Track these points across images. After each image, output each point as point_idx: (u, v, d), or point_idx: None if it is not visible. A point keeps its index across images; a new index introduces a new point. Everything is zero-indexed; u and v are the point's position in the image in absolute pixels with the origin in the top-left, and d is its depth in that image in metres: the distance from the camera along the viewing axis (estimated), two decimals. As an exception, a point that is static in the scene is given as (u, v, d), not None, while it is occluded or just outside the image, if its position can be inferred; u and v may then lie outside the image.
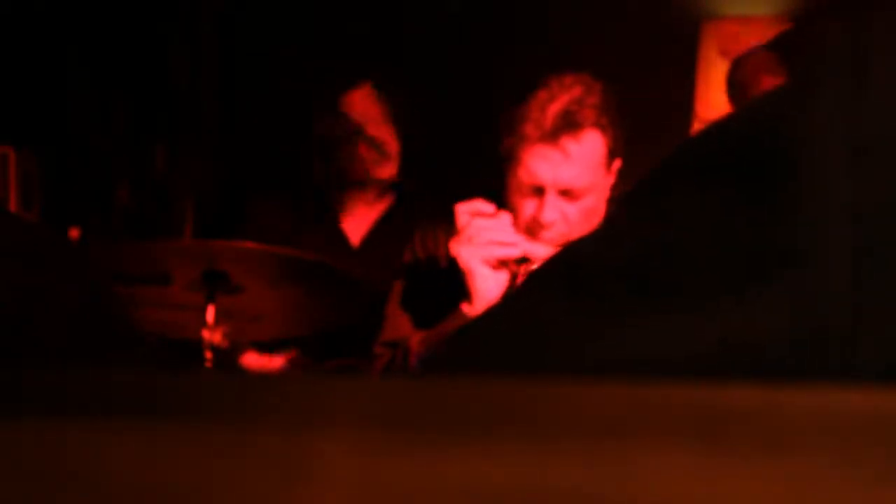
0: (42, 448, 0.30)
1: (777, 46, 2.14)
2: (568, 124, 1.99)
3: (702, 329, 0.42)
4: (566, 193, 2.03)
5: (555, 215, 2.02)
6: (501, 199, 2.08)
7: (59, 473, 0.29)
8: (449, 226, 2.07)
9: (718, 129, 0.48)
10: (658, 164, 0.49)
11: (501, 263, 2.02)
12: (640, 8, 3.28)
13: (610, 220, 0.49)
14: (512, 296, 0.52)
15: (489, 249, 2.00)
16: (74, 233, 3.07)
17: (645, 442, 0.29)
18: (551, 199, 2.02)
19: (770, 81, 2.02)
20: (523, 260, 2.01)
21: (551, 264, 0.50)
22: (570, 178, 2.02)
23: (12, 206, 3.15)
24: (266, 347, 2.57)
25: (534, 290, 0.50)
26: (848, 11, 0.46)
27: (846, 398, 0.30)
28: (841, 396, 0.30)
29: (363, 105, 2.66)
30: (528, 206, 2.04)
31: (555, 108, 2.00)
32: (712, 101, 3.01)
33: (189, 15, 3.59)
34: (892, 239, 0.41)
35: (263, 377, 0.33)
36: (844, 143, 0.42)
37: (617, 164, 2.10)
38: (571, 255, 0.49)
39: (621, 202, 0.50)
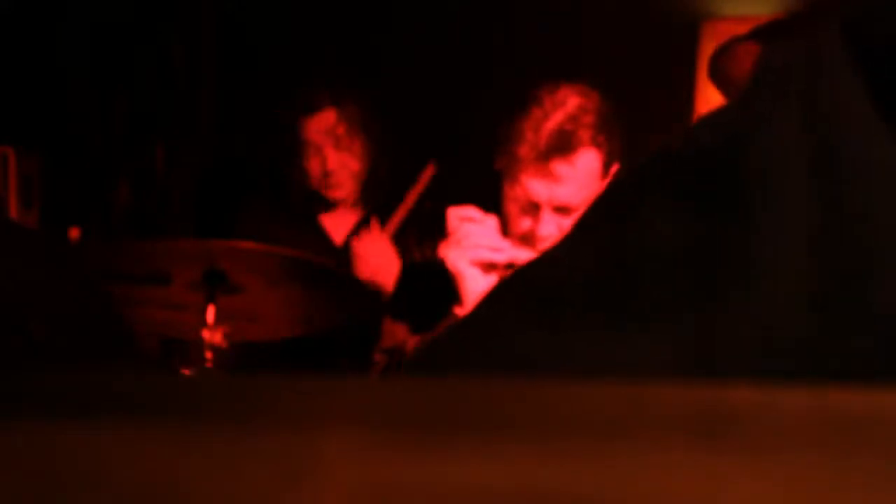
0: (41, 448, 0.30)
1: (761, 36, 2.13)
2: (562, 147, 2.00)
3: (668, 343, 0.42)
4: (562, 210, 2.04)
5: (551, 229, 2.04)
6: (488, 205, 2.09)
7: (58, 474, 0.29)
8: (443, 234, 2.08)
9: (678, 143, 0.49)
10: (617, 180, 0.49)
11: (489, 267, 2.03)
12: (640, 8, 3.28)
13: (574, 233, 0.49)
14: (476, 312, 0.52)
15: (476, 252, 2.01)
16: (74, 233, 3.07)
17: (645, 442, 0.29)
18: (547, 216, 2.04)
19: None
20: (511, 267, 2.02)
21: (513, 279, 0.50)
22: (565, 196, 2.03)
23: (12, 205, 3.15)
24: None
25: (498, 303, 0.50)
26: (836, 10, 0.46)
27: (846, 398, 0.30)
28: (840, 396, 0.30)
29: (319, 131, 2.66)
30: (524, 221, 2.06)
31: (549, 128, 2.00)
32: (712, 101, 3.01)
33: (189, 15, 3.59)
34: (855, 248, 0.41)
35: (263, 377, 0.33)
36: (800, 152, 0.43)
37: (615, 167, 2.10)
38: (535, 269, 0.49)
39: (583, 218, 0.50)
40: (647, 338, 0.43)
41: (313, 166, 2.66)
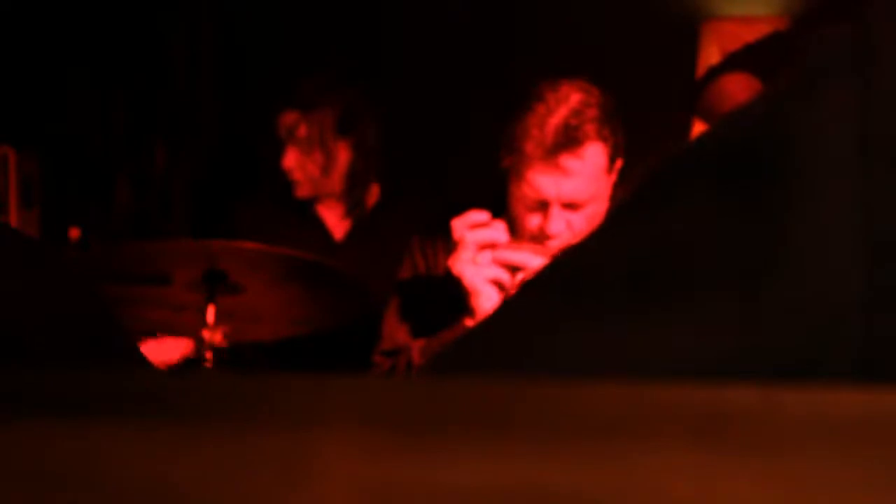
0: (41, 449, 0.30)
1: (738, 63, 2.12)
2: (569, 141, 2.00)
3: (703, 334, 0.42)
4: (570, 205, 2.04)
5: (560, 226, 2.04)
6: (492, 209, 2.08)
7: (58, 474, 0.29)
8: (446, 237, 2.06)
9: (719, 130, 0.48)
10: (656, 169, 0.49)
11: (503, 278, 2.00)
12: (640, 8, 3.28)
13: (607, 224, 0.49)
14: (509, 304, 0.51)
15: (493, 271, 1.98)
16: (74, 233, 3.07)
17: (645, 442, 0.29)
18: (556, 212, 2.03)
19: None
20: (514, 269, 2.00)
21: (548, 270, 0.50)
22: (574, 191, 2.03)
23: (12, 206, 3.15)
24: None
25: (531, 297, 0.50)
26: (832, 20, 0.45)
27: (846, 398, 0.30)
28: (841, 396, 0.30)
29: (283, 127, 2.68)
30: (532, 219, 2.06)
31: (554, 123, 2.00)
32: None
33: (189, 15, 3.59)
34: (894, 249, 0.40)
35: (263, 377, 0.33)
36: (849, 142, 0.42)
37: (619, 163, 2.10)
38: (568, 261, 0.49)
39: (619, 207, 0.49)
40: (685, 330, 0.42)
41: (283, 161, 2.70)
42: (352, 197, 2.73)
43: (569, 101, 2.01)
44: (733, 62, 2.14)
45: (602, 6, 3.29)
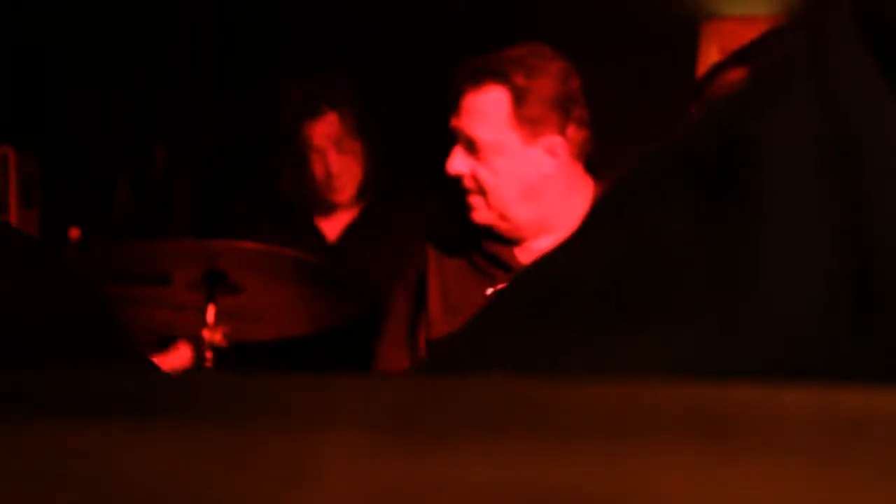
0: (41, 449, 0.30)
1: (742, 59, 2.12)
2: (472, 76, 2.03)
3: (677, 345, 0.42)
4: (470, 146, 2.04)
5: (460, 167, 2.04)
6: None
7: (58, 474, 0.29)
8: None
9: (685, 138, 0.48)
10: (624, 177, 0.49)
11: None
12: (640, 8, 3.28)
13: (578, 234, 0.49)
14: (480, 318, 0.51)
15: None
16: (74, 233, 3.07)
17: (645, 442, 0.29)
18: (458, 152, 2.05)
19: None
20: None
21: (519, 282, 0.50)
22: (470, 128, 2.03)
23: (12, 206, 3.15)
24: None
25: (502, 310, 0.49)
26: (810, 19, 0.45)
27: (846, 398, 0.30)
28: (841, 396, 0.30)
29: (323, 135, 2.66)
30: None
31: (473, 61, 2.04)
32: (712, 101, 3.00)
33: (189, 15, 3.59)
34: (862, 246, 0.40)
35: (263, 377, 0.33)
36: (818, 147, 0.42)
37: (555, 140, 2.04)
38: (538, 272, 0.49)
39: (589, 217, 0.49)
40: (659, 337, 0.42)
41: (317, 170, 2.66)
42: (365, 191, 2.71)
43: (502, 53, 2.05)
44: (737, 58, 2.15)
45: (602, 6, 3.29)
